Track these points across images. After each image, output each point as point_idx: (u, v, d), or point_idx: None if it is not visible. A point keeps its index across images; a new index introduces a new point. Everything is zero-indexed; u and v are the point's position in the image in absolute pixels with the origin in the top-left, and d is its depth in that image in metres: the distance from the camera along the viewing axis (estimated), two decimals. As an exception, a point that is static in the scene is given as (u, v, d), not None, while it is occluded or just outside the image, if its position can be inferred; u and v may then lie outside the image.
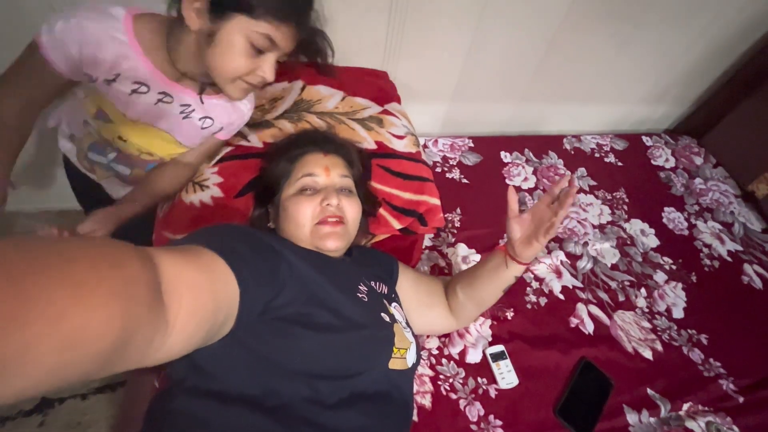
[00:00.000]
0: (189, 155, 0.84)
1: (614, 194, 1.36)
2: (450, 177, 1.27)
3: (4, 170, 0.64)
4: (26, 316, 0.22)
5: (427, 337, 0.92)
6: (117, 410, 1.11)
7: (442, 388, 0.86)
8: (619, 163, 1.46)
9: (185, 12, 0.60)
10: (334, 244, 0.66)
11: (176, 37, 0.65)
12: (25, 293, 0.22)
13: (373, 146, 0.95)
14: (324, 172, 0.71)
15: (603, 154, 1.48)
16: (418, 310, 0.82)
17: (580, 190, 1.34)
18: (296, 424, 0.49)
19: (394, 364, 0.61)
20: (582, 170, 1.40)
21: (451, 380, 0.87)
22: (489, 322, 0.97)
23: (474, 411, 0.84)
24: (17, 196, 1.29)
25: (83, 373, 0.26)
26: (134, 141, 0.77)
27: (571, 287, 1.08)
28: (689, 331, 1.05)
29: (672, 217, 1.33)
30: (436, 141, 1.36)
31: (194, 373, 0.50)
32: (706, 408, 0.92)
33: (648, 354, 0.99)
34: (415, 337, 0.72)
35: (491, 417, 0.83)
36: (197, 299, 0.37)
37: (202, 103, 0.75)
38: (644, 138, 1.57)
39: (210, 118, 0.78)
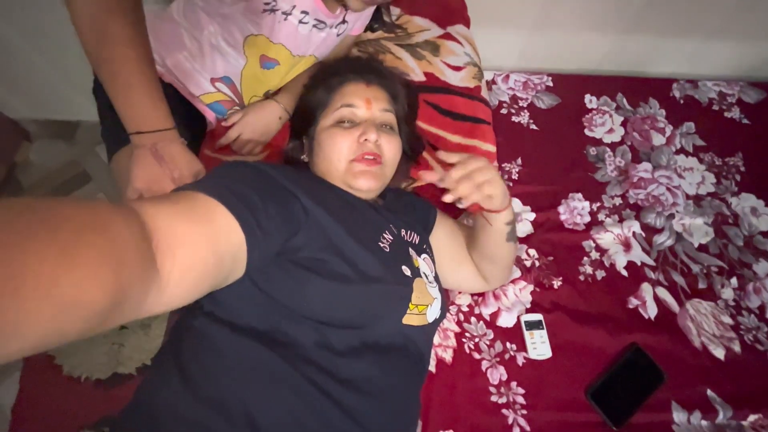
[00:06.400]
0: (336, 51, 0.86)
1: (726, 159, 1.09)
2: (516, 121, 1.11)
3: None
4: (17, 285, 0.22)
5: (459, 292, 0.87)
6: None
7: (465, 346, 0.82)
8: (745, 120, 1.15)
9: None
10: (366, 184, 0.63)
11: None
12: (15, 263, 0.22)
13: (422, 78, 0.83)
14: (365, 104, 0.66)
15: (725, 107, 1.17)
16: (449, 265, 0.77)
17: (681, 150, 1.09)
18: (304, 365, 0.49)
19: (410, 319, 0.58)
20: (689, 125, 1.13)
21: (476, 340, 0.83)
22: (531, 287, 0.88)
23: (496, 374, 0.80)
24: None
25: (79, 332, 0.26)
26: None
27: (639, 263, 0.93)
28: (783, 336, 0.87)
29: (800, 197, 1.05)
30: (507, 76, 1.17)
31: (208, 299, 0.51)
32: (780, 426, 0.78)
33: (720, 353, 0.84)
34: (443, 291, 0.68)
35: (513, 384, 0.79)
36: (193, 254, 0.36)
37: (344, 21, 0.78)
38: (791, 89, 1.20)
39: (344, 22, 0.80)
